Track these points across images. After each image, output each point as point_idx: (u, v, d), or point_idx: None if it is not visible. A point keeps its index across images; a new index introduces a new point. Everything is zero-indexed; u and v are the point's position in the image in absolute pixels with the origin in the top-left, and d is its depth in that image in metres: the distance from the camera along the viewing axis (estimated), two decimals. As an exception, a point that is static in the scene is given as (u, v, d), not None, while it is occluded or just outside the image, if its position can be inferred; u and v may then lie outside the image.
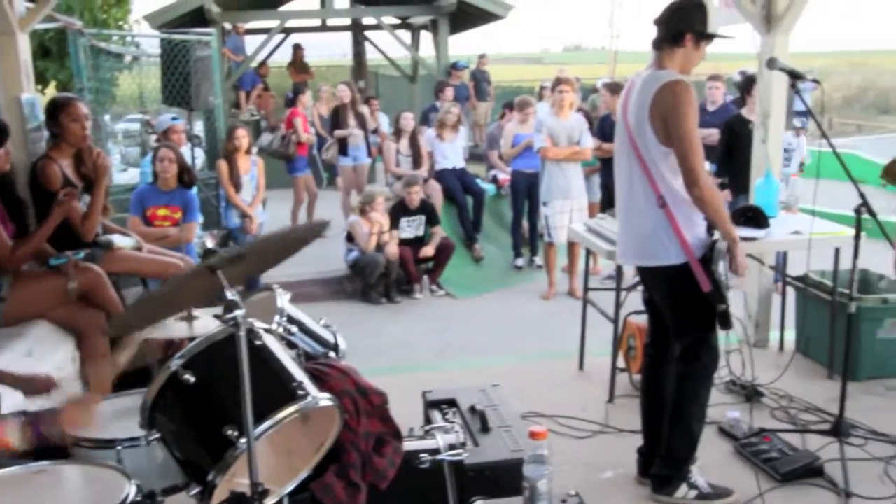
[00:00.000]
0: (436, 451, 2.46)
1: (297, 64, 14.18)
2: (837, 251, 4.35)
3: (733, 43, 4.25)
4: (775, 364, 4.55)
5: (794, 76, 3.38)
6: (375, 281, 7.50)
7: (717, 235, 3.08)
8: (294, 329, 2.59)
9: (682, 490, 3.27)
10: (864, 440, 3.73)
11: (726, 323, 3.10)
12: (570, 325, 4.97)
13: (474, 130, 13.81)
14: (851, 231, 3.50)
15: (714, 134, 7.04)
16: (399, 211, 7.73)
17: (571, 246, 6.99)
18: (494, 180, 9.29)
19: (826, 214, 4.92)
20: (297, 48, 14.40)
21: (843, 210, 3.45)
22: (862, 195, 3.31)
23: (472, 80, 14.30)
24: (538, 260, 8.10)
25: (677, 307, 3.21)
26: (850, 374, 3.98)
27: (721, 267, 3.03)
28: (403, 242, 7.64)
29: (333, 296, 7.79)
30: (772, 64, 3.44)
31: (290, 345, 2.57)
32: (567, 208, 6.81)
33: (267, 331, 2.15)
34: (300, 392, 1.98)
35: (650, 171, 3.04)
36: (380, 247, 7.52)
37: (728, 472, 3.54)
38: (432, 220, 7.82)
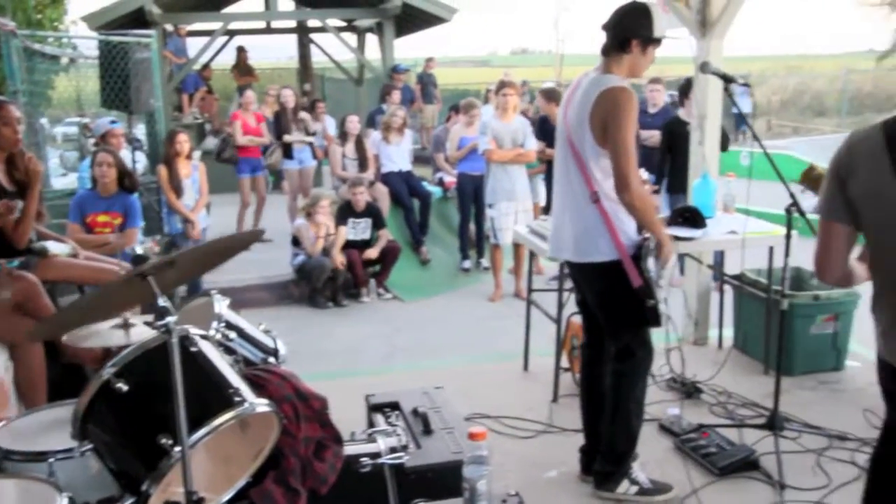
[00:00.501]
0: (377, 455, 2.46)
1: (241, 66, 14.01)
2: (771, 250, 4.47)
3: (674, 46, 4.35)
4: (714, 361, 4.66)
5: (727, 80, 3.46)
6: (322, 285, 7.45)
7: (647, 233, 3.15)
8: (233, 335, 2.56)
9: (624, 486, 3.33)
10: (797, 433, 3.83)
11: (655, 319, 3.16)
12: (516, 327, 5.01)
13: (421, 133, 13.83)
14: (784, 230, 3.60)
15: (655, 136, 7.19)
16: (345, 213, 7.70)
17: (517, 247, 7.04)
18: (441, 183, 9.31)
19: (762, 214, 5.05)
20: (241, 50, 14.23)
21: (778, 210, 3.55)
22: (792, 195, 3.40)
23: (418, 83, 14.30)
24: (485, 262, 8.14)
25: (610, 304, 3.26)
26: (784, 370, 4.10)
27: (650, 263, 3.09)
28: (350, 245, 7.60)
29: (280, 300, 7.72)
30: (704, 68, 3.52)
31: (229, 351, 2.55)
32: (512, 210, 6.86)
33: (203, 337, 2.13)
34: (237, 398, 1.97)
35: (585, 170, 3.09)
36: (326, 250, 7.49)
37: (668, 468, 3.60)
38: (378, 222, 7.81)
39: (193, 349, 2.03)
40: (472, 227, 8.31)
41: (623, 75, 3.10)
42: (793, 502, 3.32)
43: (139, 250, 2.07)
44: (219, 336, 2.48)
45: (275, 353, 2.70)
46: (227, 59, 15.52)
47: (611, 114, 3.00)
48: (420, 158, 11.71)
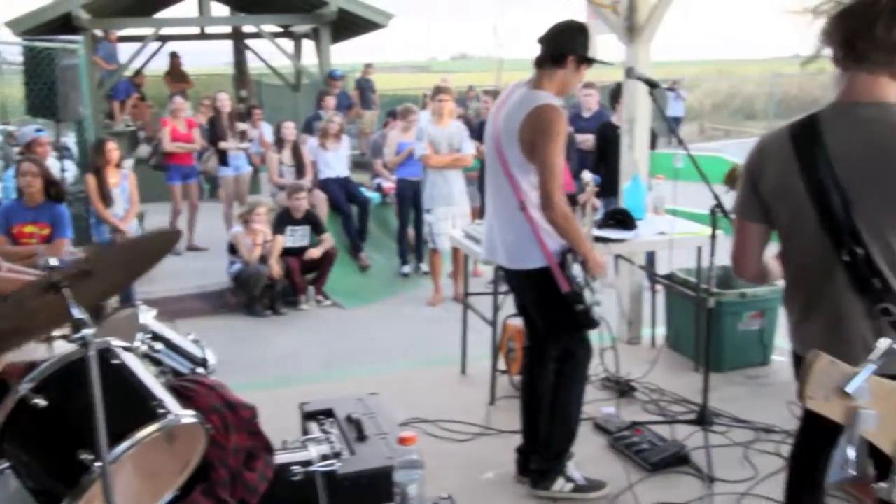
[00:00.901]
0: (308, 463, 2.44)
1: (175, 72, 13.75)
2: (700, 250, 4.59)
3: (606, 51, 4.43)
4: (648, 359, 4.75)
5: (651, 84, 3.54)
6: (260, 293, 7.36)
7: None
8: (159, 346, 2.52)
9: (559, 483, 3.38)
10: (726, 427, 3.94)
11: (590, 322, 3.23)
12: (455, 331, 5.03)
13: (360, 139, 13.79)
14: (710, 230, 3.70)
15: (589, 139, 7.31)
16: (283, 220, 7.62)
17: (456, 252, 7.07)
18: (379, 188, 9.30)
19: (691, 215, 5.18)
20: (174, 56, 13.97)
21: (706, 210, 3.66)
22: (716, 196, 3.50)
23: (357, 89, 14.29)
24: (424, 267, 8.15)
25: (545, 309, 3.31)
26: (714, 366, 4.21)
27: (576, 269, 3.14)
28: (288, 253, 7.54)
29: (216, 310, 7.60)
30: (630, 73, 3.60)
31: (156, 362, 2.50)
32: (450, 215, 6.89)
33: (126, 349, 2.08)
34: (160, 410, 1.93)
35: (513, 179, 3.12)
36: (263, 258, 7.40)
37: (603, 465, 3.67)
38: (318, 229, 7.75)
39: (115, 362, 1.98)
40: (411, 232, 8.32)
41: (553, 91, 3.14)
42: (721, 494, 3.39)
43: (52, 262, 1.99)
44: (144, 347, 2.44)
45: (204, 363, 2.66)
46: (161, 65, 15.21)
47: (540, 132, 3.03)
48: (359, 164, 11.69)
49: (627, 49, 4.74)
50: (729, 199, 3.41)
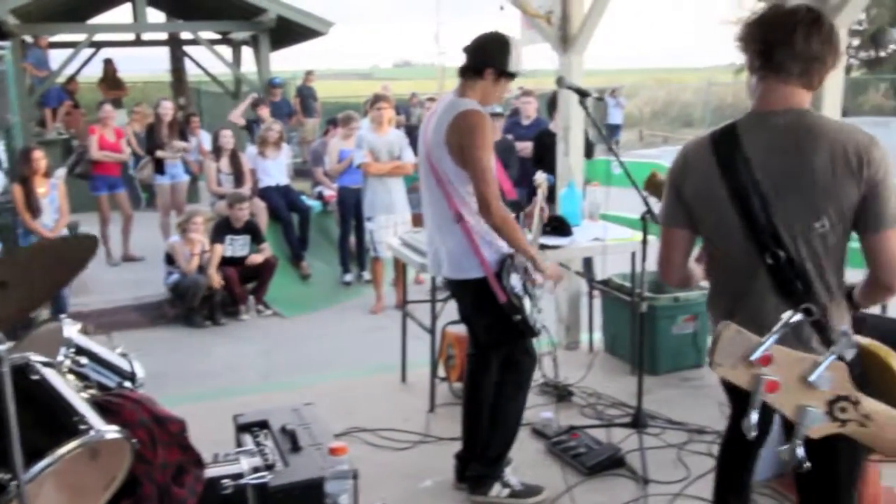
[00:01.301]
0: (239, 476, 2.41)
1: (109, 80, 13.44)
2: (634, 255, 4.67)
3: (545, 60, 4.48)
4: (585, 364, 4.80)
5: (581, 93, 3.60)
6: (198, 304, 7.23)
7: (510, 250, 3.22)
8: (84, 360, 2.45)
9: (496, 489, 3.40)
10: (661, 429, 4.02)
11: (529, 331, 3.27)
12: (396, 339, 5.02)
13: (302, 147, 13.67)
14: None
15: (528, 147, 7.38)
16: (223, 229, 7.51)
17: (397, 260, 7.06)
18: (320, 197, 9.23)
19: (626, 220, 5.27)
20: (108, 63, 13.65)
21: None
22: (646, 202, 3.57)
23: (297, 97, 14.15)
24: (366, 275, 8.12)
25: (486, 318, 3.32)
26: (649, 369, 4.30)
27: (514, 279, 3.17)
28: (227, 262, 7.43)
29: (154, 321, 7.44)
30: (560, 82, 3.66)
31: (81, 377, 2.44)
32: (391, 223, 6.88)
33: (46, 364, 2.03)
34: (82, 426, 1.89)
35: (447, 189, 3.15)
36: (202, 268, 7.28)
37: (541, 470, 3.70)
38: (257, 238, 7.67)
39: (34, 377, 1.93)
40: (353, 240, 8.27)
41: (477, 100, 3.16)
42: (655, 496, 3.45)
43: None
44: (68, 362, 2.38)
45: (132, 377, 2.60)
46: (95, 71, 14.87)
47: (465, 136, 3.06)
48: (300, 172, 11.58)
49: (561, 58, 4.81)
50: (656, 204, 3.50)
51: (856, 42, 26.98)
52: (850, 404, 0.98)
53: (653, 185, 2.93)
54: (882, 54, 28.39)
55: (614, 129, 22.68)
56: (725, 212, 2.18)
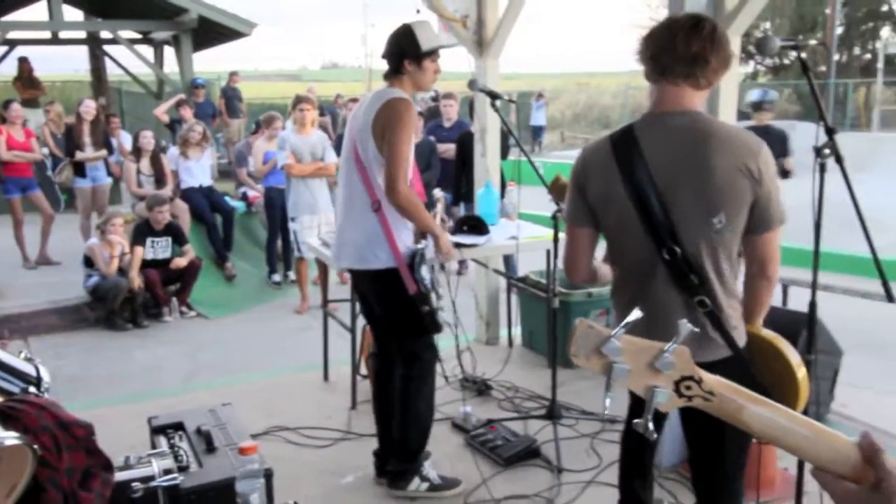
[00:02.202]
0: (150, 479, 2.35)
1: (25, 78, 12.87)
2: (549, 252, 4.74)
3: (465, 63, 4.51)
4: (504, 359, 4.87)
5: (492, 96, 3.64)
6: (119, 306, 7.04)
7: (422, 244, 3.23)
8: (-15, 366, 2.35)
9: (415, 483, 3.42)
10: (574, 420, 4.09)
11: (434, 325, 3.24)
12: (320, 338, 4.98)
13: (227, 147, 13.42)
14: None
15: (451, 149, 7.42)
16: (144, 231, 7.32)
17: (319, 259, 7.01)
18: (244, 198, 9.08)
19: (542, 219, 5.35)
20: (24, 61, 13.05)
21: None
22: (557, 202, 3.63)
23: (222, 98, 13.87)
24: (292, 275, 8.03)
25: (392, 311, 3.32)
26: (564, 362, 4.36)
27: (424, 271, 3.17)
28: (149, 265, 7.25)
29: (73, 325, 7.20)
30: (472, 85, 3.69)
31: (-17, 383, 2.33)
32: (315, 223, 6.81)
33: (-58, 370, 1.94)
34: (-22, 433, 1.81)
35: (368, 177, 3.14)
36: (122, 270, 7.08)
37: (460, 463, 3.73)
38: (180, 240, 7.50)
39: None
40: (280, 240, 8.17)
41: (409, 91, 3.18)
42: (568, 484, 3.52)
43: None
44: (-33, 368, 2.27)
45: (37, 382, 2.50)
46: (9, 69, 14.23)
47: (389, 122, 3.06)
48: (226, 173, 11.38)
49: (477, 62, 4.85)
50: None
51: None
52: (693, 382, 1.06)
53: (557, 188, 2.98)
54: (786, 62, 29.57)
55: (538, 131, 23.05)
56: (625, 210, 2.23)
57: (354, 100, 7.93)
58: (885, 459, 1.02)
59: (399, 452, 3.45)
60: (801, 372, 2.60)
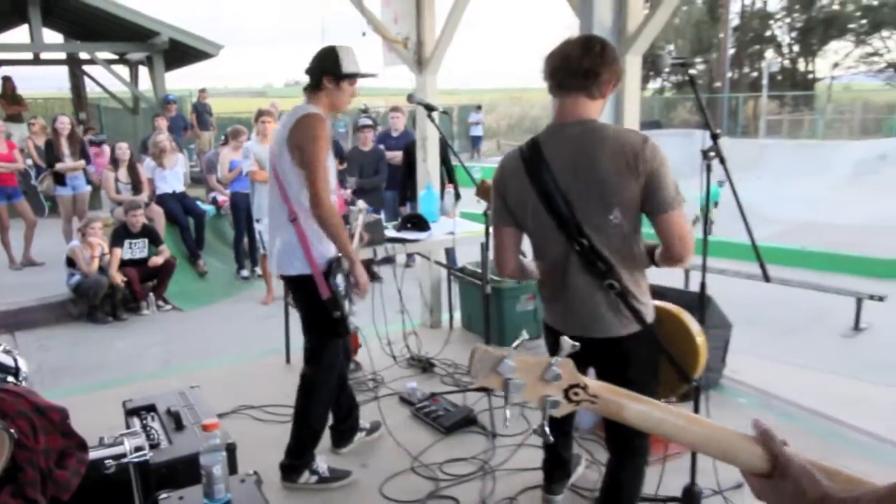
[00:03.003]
0: (122, 456, 2.29)
1: (9, 96, 12.39)
2: (482, 245, 4.76)
3: (408, 81, 4.47)
4: (446, 340, 4.89)
5: (429, 108, 3.63)
6: (100, 301, 6.85)
7: (340, 253, 3.04)
8: (-36, 359, 2.26)
9: (305, 476, 3.23)
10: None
11: (344, 329, 3.07)
12: (283, 326, 4.92)
13: (199, 157, 13.13)
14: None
15: (398, 156, 7.41)
16: (122, 234, 7.14)
17: (283, 256, 6.91)
18: (214, 202, 8.91)
19: (478, 216, 5.37)
20: (7, 80, 12.56)
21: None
22: (487, 202, 3.64)
23: (193, 112, 13.57)
24: (258, 270, 7.92)
25: (305, 312, 3.16)
26: (498, 341, 4.40)
27: (339, 279, 3.01)
28: (128, 263, 7.07)
29: (58, 319, 6.98)
30: (410, 98, 3.67)
31: (-36, 375, 2.25)
32: (276, 223, 6.71)
33: (-79, 364, 1.86)
34: (-44, 420, 1.74)
35: (285, 191, 2.97)
36: (102, 269, 6.89)
37: (407, 432, 3.72)
38: (155, 241, 7.34)
39: None
40: (246, 239, 8.05)
41: (324, 109, 3.01)
42: (501, 447, 3.54)
43: None
44: (-52, 362, 2.19)
45: (15, 372, 2.42)
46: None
47: (304, 137, 2.89)
48: (198, 180, 11.13)
49: (417, 78, 4.84)
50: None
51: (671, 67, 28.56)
52: (580, 389, 1.06)
53: (483, 191, 2.98)
54: (686, 77, 30.21)
55: (476, 140, 23.14)
56: (538, 211, 2.25)
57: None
58: (778, 445, 0.96)
59: (291, 448, 3.24)
60: (700, 339, 2.69)
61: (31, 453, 2.01)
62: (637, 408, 1.05)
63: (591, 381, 1.05)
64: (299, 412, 3.22)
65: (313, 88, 3.02)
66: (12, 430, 1.90)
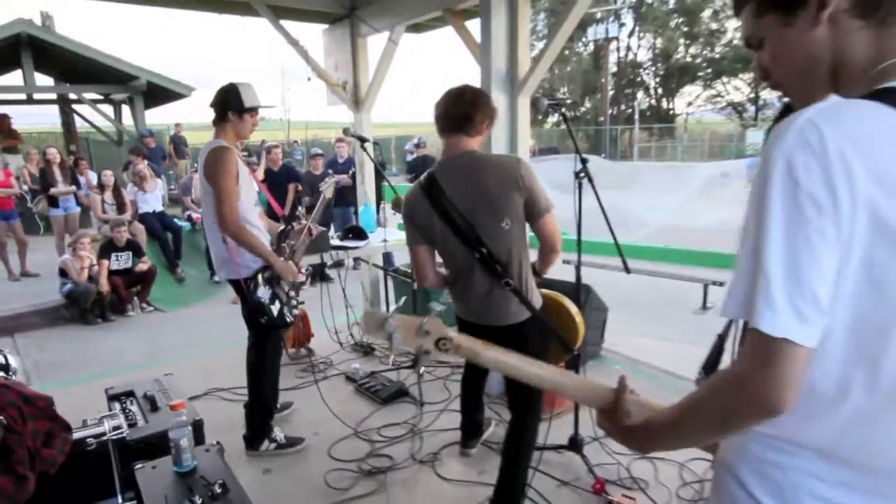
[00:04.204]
0: (102, 434, 2.21)
1: (5, 131, 11.64)
2: (412, 250, 4.78)
3: (346, 115, 4.40)
4: (384, 327, 4.86)
5: (361, 139, 3.63)
6: (90, 306, 6.53)
7: (263, 263, 2.91)
8: (-42, 359, 2.14)
9: (265, 444, 3.17)
10: (433, 367, 4.14)
11: (278, 327, 3.02)
12: (246, 321, 4.81)
13: (177, 181, 12.65)
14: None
15: (345, 178, 7.36)
16: (109, 248, 6.85)
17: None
18: (189, 219, 8.63)
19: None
20: (4, 117, 11.78)
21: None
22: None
23: (171, 143, 13.08)
24: (229, 275, 7.70)
25: (246, 312, 3.06)
26: (425, 327, 4.39)
27: (260, 291, 2.90)
28: (115, 273, 6.78)
29: (52, 322, 6.61)
30: (346, 132, 3.66)
31: (-42, 372, 2.13)
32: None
33: (-84, 364, 1.76)
34: (-52, 411, 1.65)
35: (210, 209, 2.85)
36: (92, 278, 6.58)
37: (351, 404, 3.70)
38: (138, 253, 7.05)
39: None
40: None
41: (231, 139, 2.88)
42: (428, 413, 3.56)
43: None
44: (-57, 362, 2.06)
45: (6, 368, 2.30)
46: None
47: (211, 167, 2.77)
48: (175, 200, 10.74)
49: (355, 115, 4.82)
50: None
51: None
52: (447, 341, 1.11)
53: (397, 204, 3.00)
54: (577, 114, 31.03)
55: (413, 167, 23.02)
56: (443, 231, 2.28)
57: (275, 146, 7.66)
58: (622, 390, 1.05)
59: (250, 423, 3.18)
60: (578, 318, 2.78)
61: (19, 436, 1.93)
62: (489, 354, 1.12)
63: (454, 333, 1.11)
64: (252, 394, 3.14)
65: (219, 121, 2.89)
66: (1, 418, 1.82)
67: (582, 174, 2.63)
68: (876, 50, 0.84)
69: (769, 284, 0.77)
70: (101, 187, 7.67)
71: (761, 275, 0.78)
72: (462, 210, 2.23)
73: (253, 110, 2.90)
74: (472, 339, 1.12)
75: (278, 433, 3.23)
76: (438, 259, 2.44)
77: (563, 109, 2.58)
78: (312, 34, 6.68)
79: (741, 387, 0.81)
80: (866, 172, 0.75)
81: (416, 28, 4.72)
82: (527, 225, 2.30)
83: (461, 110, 2.21)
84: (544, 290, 2.62)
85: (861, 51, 0.85)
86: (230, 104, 2.86)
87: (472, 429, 3.08)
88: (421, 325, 1.09)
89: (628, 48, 32.10)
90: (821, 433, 0.84)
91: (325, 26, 4.85)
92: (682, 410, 0.92)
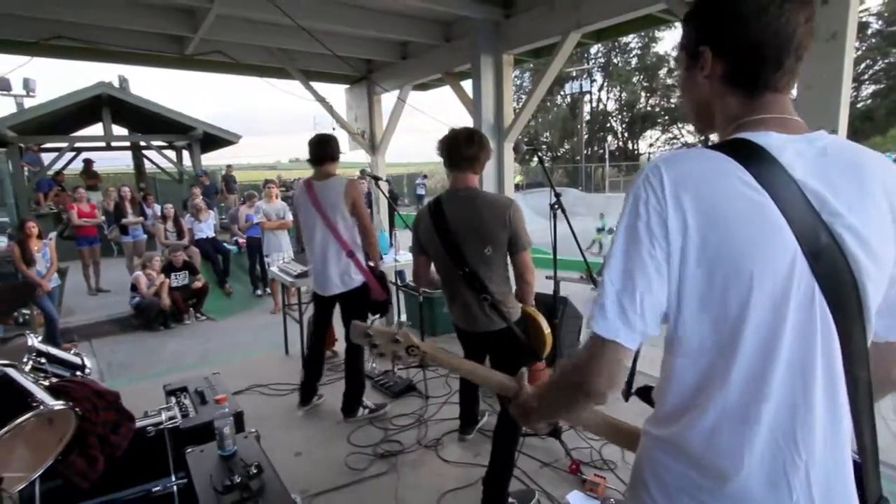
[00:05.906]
0: (159, 424, 2.22)
1: (88, 172, 11.84)
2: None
3: (365, 157, 4.46)
4: (396, 332, 4.85)
5: (375, 178, 3.68)
6: (155, 316, 6.56)
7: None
8: (43, 360, 2.16)
9: (360, 411, 3.35)
10: (436, 367, 4.10)
11: (383, 310, 3.28)
12: (283, 328, 4.81)
13: (227, 212, 12.73)
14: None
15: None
16: (169, 268, 6.90)
17: (284, 279, 6.77)
18: (236, 243, 8.69)
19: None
20: (88, 161, 12.01)
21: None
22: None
23: (223, 181, 13.23)
24: (268, 290, 7.74)
25: (350, 309, 3.26)
26: (430, 332, 4.39)
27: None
28: (174, 289, 6.82)
29: (123, 330, 6.63)
30: (363, 173, 3.72)
31: (42, 372, 2.15)
32: (280, 258, 6.57)
33: (9, 365, 1.78)
34: (34, 403, 1.67)
35: (337, 231, 3.07)
36: (157, 293, 6.62)
37: (368, 397, 3.64)
38: (193, 272, 7.10)
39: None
40: (258, 269, 7.88)
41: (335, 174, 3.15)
42: (432, 404, 3.55)
43: None
44: (30, 363, 2.08)
45: (82, 368, 2.32)
46: (77, 166, 13.00)
47: (358, 196, 3.10)
48: (225, 228, 10.82)
49: (371, 158, 4.89)
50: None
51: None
52: (415, 348, 1.12)
53: None
54: (557, 154, 31.13)
55: (420, 198, 23.18)
56: (439, 247, 2.30)
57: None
58: (521, 378, 1.10)
59: (350, 396, 3.35)
60: (547, 329, 2.76)
61: (91, 425, 1.94)
62: (447, 359, 1.14)
63: (421, 342, 1.13)
64: (352, 372, 3.28)
65: (331, 161, 3.13)
66: (77, 409, 1.83)
67: (556, 206, 2.66)
68: (740, 108, 0.88)
69: (605, 296, 0.81)
70: (164, 218, 7.75)
71: (602, 288, 0.82)
72: (455, 233, 2.25)
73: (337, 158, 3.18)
74: (436, 346, 1.14)
75: (368, 402, 3.37)
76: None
77: (539, 153, 2.61)
78: (336, 92, 6.81)
79: (577, 372, 0.85)
80: (695, 207, 0.78)
81: (421, 87, 4.80)
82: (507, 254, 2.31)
83: (472, 152, 2.24)
84: (528, 308, 2.62)
85: (730, 107, 0.89)
86: (335, 151, 3.12)
87: (469, 418, 3.07)
88: (394, 335, 1.11)
89: (599, 100, 32.39)
90: (692, 438, 0.83)
91: (347, 86, 4.94)
92: (545, 387, 0.97)
